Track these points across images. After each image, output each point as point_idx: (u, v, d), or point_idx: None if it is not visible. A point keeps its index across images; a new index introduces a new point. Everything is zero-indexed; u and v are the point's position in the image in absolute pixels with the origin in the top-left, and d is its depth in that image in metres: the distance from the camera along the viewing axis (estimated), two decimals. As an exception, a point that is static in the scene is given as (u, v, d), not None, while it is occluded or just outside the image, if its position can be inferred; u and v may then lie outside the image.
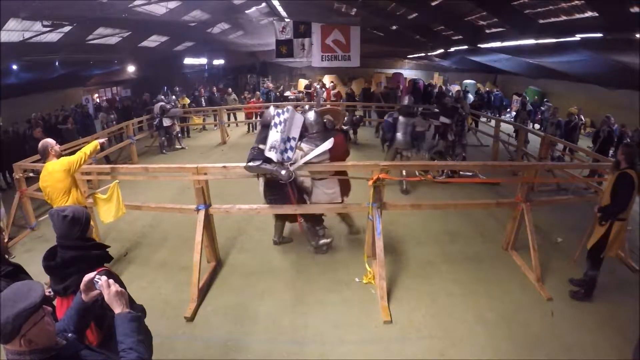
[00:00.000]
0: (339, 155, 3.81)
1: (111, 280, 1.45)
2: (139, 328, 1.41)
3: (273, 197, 3.86)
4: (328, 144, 3.60)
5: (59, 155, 3.54)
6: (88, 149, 3.65)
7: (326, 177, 3.79)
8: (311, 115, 3.82)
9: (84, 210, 1.94)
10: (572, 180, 5.71)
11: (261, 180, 3.89)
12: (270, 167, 3.48)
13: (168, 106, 9.05)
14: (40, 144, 3.54)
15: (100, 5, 7.81)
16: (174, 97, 10.92)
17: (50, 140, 3.57)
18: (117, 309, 1.41)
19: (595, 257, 3.42)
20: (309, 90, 15.73)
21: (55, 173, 3.39)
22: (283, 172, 3.44)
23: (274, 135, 3.48)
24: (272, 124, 3.51)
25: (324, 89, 15.09)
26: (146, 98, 11.98)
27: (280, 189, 3.75)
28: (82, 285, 1.49)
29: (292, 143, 3.50)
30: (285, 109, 3.54)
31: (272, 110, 3.71)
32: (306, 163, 3.59)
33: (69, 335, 1.38)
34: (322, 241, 4.20)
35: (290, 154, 3.49)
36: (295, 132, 3.50)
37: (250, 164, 3.50)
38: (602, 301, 3.49)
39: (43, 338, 1.19)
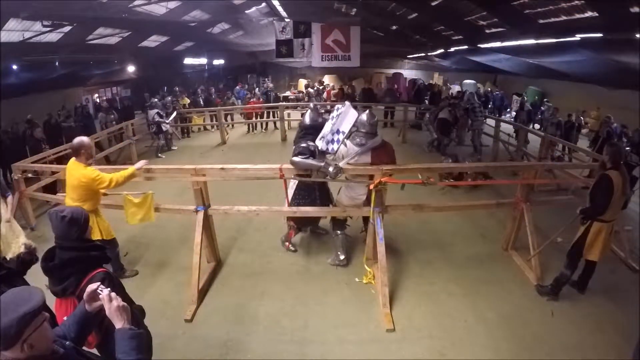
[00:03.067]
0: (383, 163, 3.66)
1: (113, 294, 1.42)
2: (139, 346, 1.37)
3: (303, 200, 3.85)
4: (372, 143, 3.56)
5: (87, 158, 3.38)
6: (123, 176, 3.41)
7: (361, 182, 3.69)
8: (364, 115, 3.73)
9: (82, 211, 1.94)
10: (571, 181, 5.71)
11: (292, 183, 3.88)
12: (317, 163, 3.41)
13: (158, 118, 8.99)
14: (77, 139, 3.37)
15: (100, 5, 7.80)
16: (169, 98, 10.89)
17: (86, 140, 3.40)
18: (118, 324, 1.38)
19: (573, 256, 3.41)
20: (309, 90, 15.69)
21: (74, 173, 3.32)
22: (331, 169, 3.36)
23: (327, 127, 3.62)
24: (331, 116, 3.67)
25: (321, 88, 15.12)
26: (147, 97, 11.98)
27: (311, 192, 3.81)
28: (85, 295, 1.47)
29: (340, 136, 3.51)
30: (343, 103, 3.69)
31: (312, 109, 3.99)
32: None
33: (67, 343, 1.36)
34: (336, 261, 4.12)
35: (335, 145, 3.53)
36: (346, 127, 3.50)
37: (296, 158, 3.44)
38: (602, 301, 3.49)
39: (42, 343, 1.18)
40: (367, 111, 3.90)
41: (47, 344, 1.21)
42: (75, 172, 3.32)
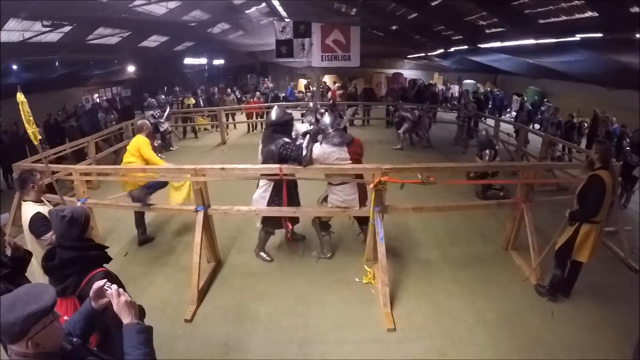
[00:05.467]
0: (356, 159, 3.74)
1: (121, 290, 1.44)
2: (147, 340, 1.38)
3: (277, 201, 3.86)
4: (345, 138, 3.68)
5: (148, 135, 4.62)
6: (156, 163, 4.41)
7: (346, 182, 3.70)
8: (327, 118, 3.79)
9: (82, 211, 1.93)
10: (571, 181, 5.71)
11: (264, 187, 3.88)
12: (307, 140, 3.55)
13: (152, 120, 8.97)
14: (140, 121, 4.85)
15: (100, 5, 7.81)
16: (162, 97, 10.89)
17: (147, 123, 4.78)
18: (126, 319, 1.38)
19: (561, 257, 3.37)
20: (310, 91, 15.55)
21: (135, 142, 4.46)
22: (311, 127, 3.69)
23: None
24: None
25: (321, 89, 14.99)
26: (146, 97, 11.99)
27: (279, 194, 3.82)
28: (92, 293, 1.47)
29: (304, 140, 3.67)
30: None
31: (275, 110, 3.91)
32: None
33: (74, 339, 1.36)
34: (321, 255, 4.23)
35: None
36: (303, 128, 3.87)
37: (305, 153, 3.50)
38: (602, 301, 3.48)
39: (50, 342, 1.18)
40: (327, 114, 4.02)
41: (57, 342, 1.21)
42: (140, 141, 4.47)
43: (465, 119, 9.89)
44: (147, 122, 4.76)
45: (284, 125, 3.84)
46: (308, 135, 3.60)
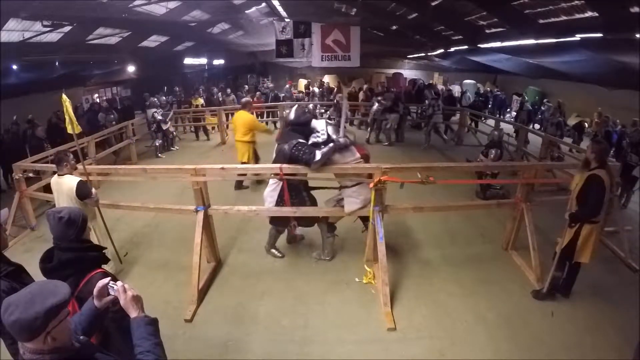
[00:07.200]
0: (365, 155, 3.88)
1: (127, 285, 1.46)
2: (155, 331, 1.42)
3: (295, 200, 3.83)
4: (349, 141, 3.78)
5: (250, 110, 6.25)
6: (264, 129, 6.38)
7: (360, 182, 3.73)
8: (330, 130, 3.78)
9: (80, 212, 1.93)
10: (571, 181, 5.71)
11: (274, 186, 3.85)
12: (328, 148, 3.52)
13: (159, 117, 9.00)
14: (244, 99, 6.60)
15: (100, 5, 7.80)
16: (163, 97, 10.91)
17: (250, 100, 6.59)
18: (133, 313, 1.41)
19: (562, 259, 3.35)
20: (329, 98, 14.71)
21: (244, 117, 5.93)
22: (341, 140, 3.67)
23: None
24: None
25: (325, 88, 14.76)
26: (147, 97, 11.99)
27: (299, 193, 3.82)
28: (95, 291, 1.48)
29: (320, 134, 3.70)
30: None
31: (295, 110, 3.89)
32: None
33: (81, 337, 1.38)
34: (321, 257, 4.22)
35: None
36: (321, 126, 3.81)
37: (317, 159, 3.44)
38: (602, 301, 3.49)
39: (65, 337, 1.20)
40: (328, 127, 3.98)
41: (69, 336, 1.23)
42: (244, 116, 5.94)
43: (432, 116, 9.76)
44: (250, 99, 6.46)
45: (302, 126, 3.75)
46: (332, 144, 3.53)
